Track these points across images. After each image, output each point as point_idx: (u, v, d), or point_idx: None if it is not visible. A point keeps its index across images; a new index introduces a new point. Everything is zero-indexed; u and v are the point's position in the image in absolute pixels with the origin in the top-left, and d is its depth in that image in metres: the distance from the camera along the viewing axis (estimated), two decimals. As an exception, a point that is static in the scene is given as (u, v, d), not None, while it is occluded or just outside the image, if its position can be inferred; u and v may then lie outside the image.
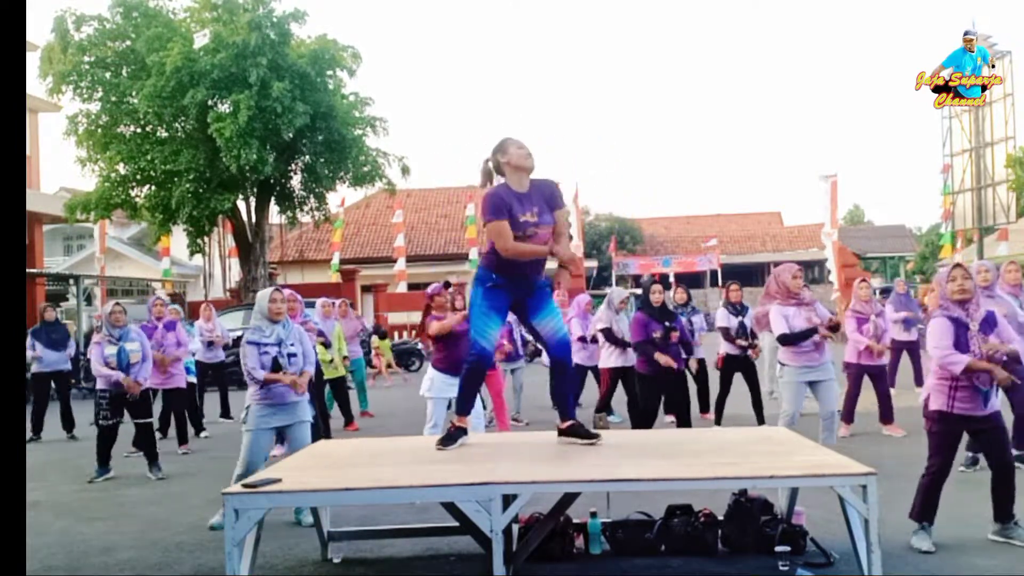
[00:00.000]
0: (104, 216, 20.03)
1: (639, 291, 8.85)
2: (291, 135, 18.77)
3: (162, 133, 19.58)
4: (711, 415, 9.42)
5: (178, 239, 22.30)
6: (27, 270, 17.99)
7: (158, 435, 9.15)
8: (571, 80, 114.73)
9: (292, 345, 5.65)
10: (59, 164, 67.71)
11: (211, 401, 11.59)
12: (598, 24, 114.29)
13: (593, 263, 39.91)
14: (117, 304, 7.70)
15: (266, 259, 21.23)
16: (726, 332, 8.74)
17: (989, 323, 4.65)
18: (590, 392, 10.49)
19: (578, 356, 9.36)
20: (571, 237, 26.50)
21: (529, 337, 9.82)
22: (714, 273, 39.50)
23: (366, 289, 26.69)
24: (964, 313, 4.62)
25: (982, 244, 25.21)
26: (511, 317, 9.05)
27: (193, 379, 10.11)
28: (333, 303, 10.78)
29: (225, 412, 11.64)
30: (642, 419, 7.74)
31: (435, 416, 6.79)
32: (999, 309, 5.14)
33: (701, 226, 49.29)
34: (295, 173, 21.05)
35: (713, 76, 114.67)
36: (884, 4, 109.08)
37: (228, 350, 11.81)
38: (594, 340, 9.43)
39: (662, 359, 7.47)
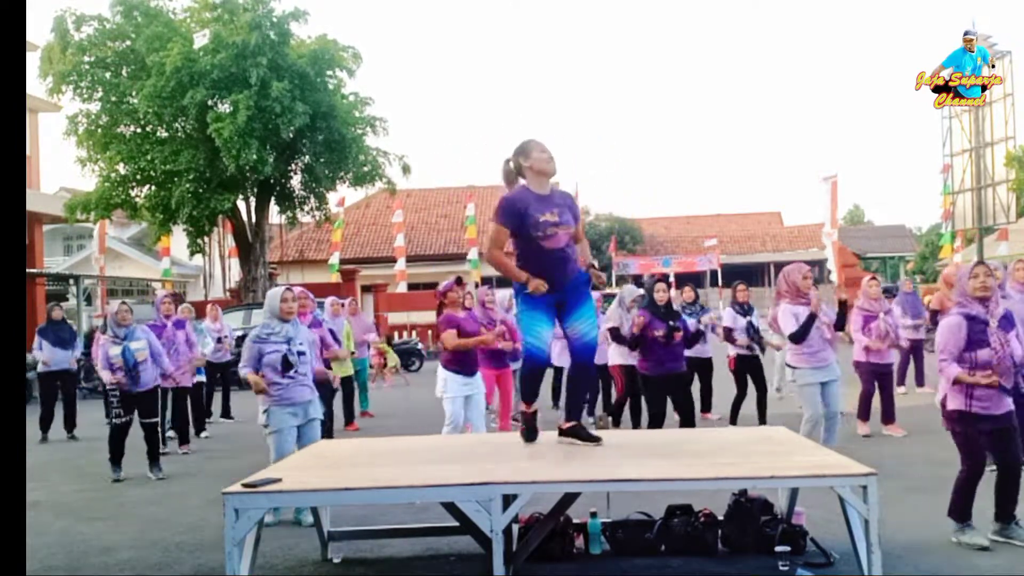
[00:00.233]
0: (104, 216, 20.03)
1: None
2: (291, 135, 18.77)
3: (162, 133, 19.59)
4: (712, 415, 9.43)
5: (178, 239, 22.31)
6: (27, 270, 17.98)
7: (171, 434, 9.17)
8: (571, 80, 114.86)
9: (301, 344, 5.71)
10: (59, 164, 67.71)
11: (213, 401, 11.59)
12: (598, 24, 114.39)
13: (593, 263, 39.81)
14: (124, 303, 7.72)
15: (266, 259, 21.23)
16: (728, 332, 8.74)
17: (1008, 321, 4.69)
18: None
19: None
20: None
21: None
22: (714, 273, 39.42)
23: (366, 289, 26.66)
24: (984, 310, 4.65)
25: (982, 244, 25.20)
26: (510, 317, 9.10)
27: (201, 378, 10.14)
28: (343, 303, 10.82)
29: (226, 412, 11.65)
30: (652, 422, 7.70)
31: (452, 416, 6.80)
32: (1007, 306, 5.17)
33: (701, 226, 49.24)
34: (295, 173, 21.05)
35: (713, 76, 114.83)
36: (884, 4, 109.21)
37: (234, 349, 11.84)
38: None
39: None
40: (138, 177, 19.07)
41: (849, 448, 6.65)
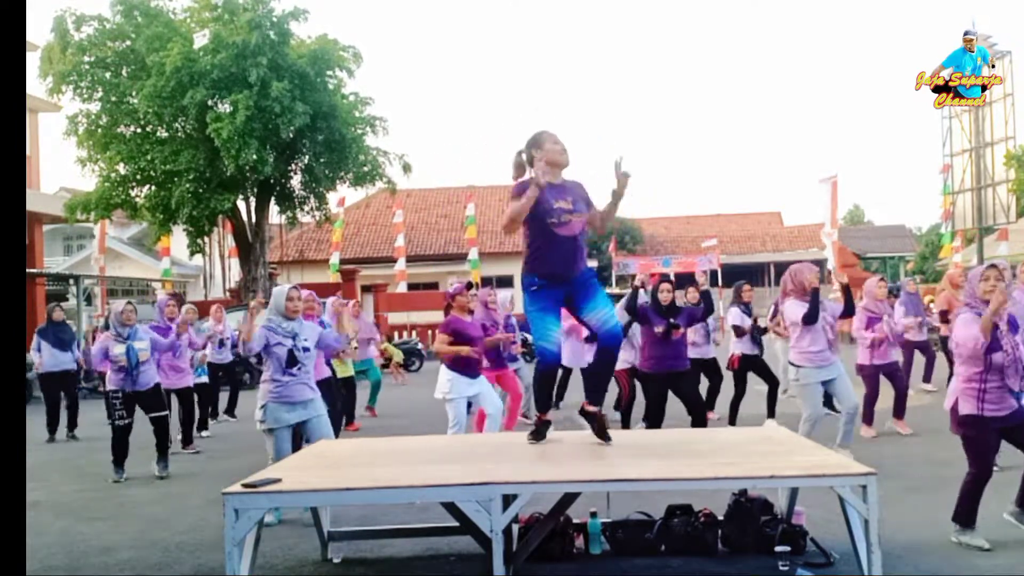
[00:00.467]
0: (104, 216, 20.03)
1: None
2: (291, 135, 18.77)
3: (162, 133, 19.58)
4: (713, 414, 9.41)
5: (178, 239, 22.30)
6: (27, 270, 17.99)
7: (177, 435, 9.18)
8: (571, 80, 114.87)
9: (306, 340, 5.75)
10: (59, 164, 67.82)
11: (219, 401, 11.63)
12: (598, 24, 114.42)
13: (593, 263, 39.91)
14: (129, 303, 7.74)
15: (266, 259, 21.23)
16: (738, 329, 8.80)
17: (1012, 325, 4.70)
18: (575, 392, 10.41)
19: (589, 354, 9.32)
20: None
21: (530, 337, 9.78)
22: (714, 273, 39.43)
23: (366, 289, 26.64)
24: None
25: (982, 244, 25.21)
26: (512, 319, 9.10)
27: (204, 379, 10.14)
28: (346, 303, 10.82)
29: (230, 410, 11.70)
30: (650, 421, 7.69)
31: (456, 417, 6.80)
32: (1012, 310, 5.17)
33: (701, 226, 49.21)
34: (295, 173, 21.05)
35: (713, 76, 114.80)
36: (884, 4, 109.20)
37: (234, 349, 11.86)
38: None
39: None
40: (138, 177, 19.06)
41: (849, 448, 6.67)
